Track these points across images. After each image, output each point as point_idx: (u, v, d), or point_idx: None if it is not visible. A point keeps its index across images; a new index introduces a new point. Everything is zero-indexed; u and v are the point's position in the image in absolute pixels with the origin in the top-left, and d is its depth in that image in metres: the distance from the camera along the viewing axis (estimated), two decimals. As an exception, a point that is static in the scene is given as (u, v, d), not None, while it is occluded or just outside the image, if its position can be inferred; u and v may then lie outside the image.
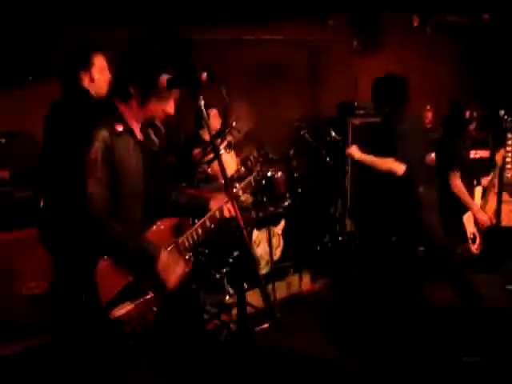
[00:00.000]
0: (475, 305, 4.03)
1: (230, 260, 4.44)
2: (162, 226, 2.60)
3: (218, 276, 4.51)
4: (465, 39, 6.91)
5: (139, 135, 2.54)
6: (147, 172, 2.52)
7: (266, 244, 4.72)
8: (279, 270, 4.89)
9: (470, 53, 6.88)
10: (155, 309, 2.53)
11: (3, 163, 4.18)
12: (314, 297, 4.92)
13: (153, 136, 2.63)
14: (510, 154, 5.11)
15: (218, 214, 2.78)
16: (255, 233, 4.72)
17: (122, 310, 2.42)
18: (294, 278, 5.01)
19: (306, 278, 5.10)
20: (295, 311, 4.56)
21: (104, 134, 2.36)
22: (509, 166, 5.15)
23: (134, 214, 2.49)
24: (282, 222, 4.94)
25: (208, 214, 2.75)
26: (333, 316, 4.42)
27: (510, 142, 5.08)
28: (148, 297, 2.51)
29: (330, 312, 4.53)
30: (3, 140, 4.24)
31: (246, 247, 2.24)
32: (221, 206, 2.78)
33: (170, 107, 2.50)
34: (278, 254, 4.97)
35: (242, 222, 2.22)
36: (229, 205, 2.77)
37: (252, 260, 2.22)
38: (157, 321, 2.54)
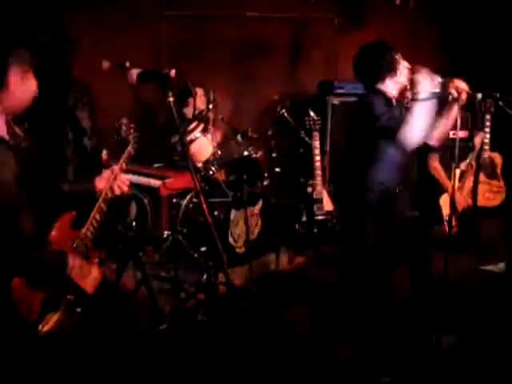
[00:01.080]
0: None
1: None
2: (60, 225, 2.49)
3: (196, 255, 4.52)
4: (448, 15, 6.88)
5: (7, 137, 2.39)
6: (26, 175, 2.38)
7: (243, 223, 4.73)
8: (257, 249, 4.91)
9: (453, 30, 6.85)
10: (79, 309, 2.47)
11: None
12: (291, 275, 4.95)
13: (19, 132, 2.47)
14: (487, 136, 5.16)
15: (109, 193, 2.70)
16: (233, 212, 4.72)
17: (50, 323, 2.35)
18: (272, 257, 5.04)
19: (284, 257, 5.13)
20: (272, 290, 4.59)
21: None
22: (486, 147, 5.20)
23: (26, 224, 2.37)
24: (260, 202, 4.95)
25: (101, 197, 2.65)
26: (310, 294, 4.46)
27: (488, 124, 5.12)
28: (69, 299, 2.43)
29: (306, 290, 4.57)
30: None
31: (213, 239, 2.21)
32: (110, 184, 2.70)
33: (32, 91, 2.40)
34: (255, 233, 4.98)
35: (208, 217, 2.20)
36: (118, 182, 2.72)
37: (218, 251, 2.18)
38: (83, 320, 2.48)
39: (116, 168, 2.77)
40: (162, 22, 5.31)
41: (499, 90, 3.97)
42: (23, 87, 2.34)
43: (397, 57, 3.64)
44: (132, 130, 2.98)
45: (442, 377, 3.35)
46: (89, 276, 2.41)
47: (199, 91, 4.86)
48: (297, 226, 5.25)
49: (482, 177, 5.25)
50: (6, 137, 2.37)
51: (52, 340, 2.34)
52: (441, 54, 6.82)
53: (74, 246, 2.50)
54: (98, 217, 2.61)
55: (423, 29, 6.91)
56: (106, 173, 2.75)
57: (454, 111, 3.58)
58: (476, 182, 5.11)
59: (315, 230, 5.20)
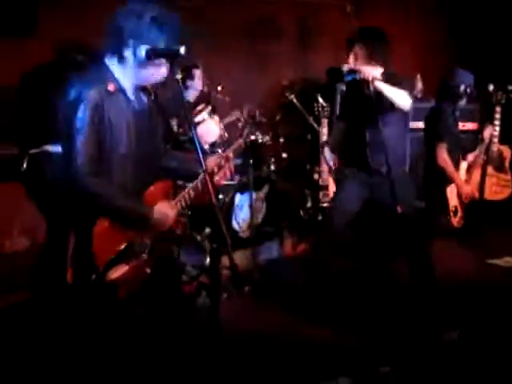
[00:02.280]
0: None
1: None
2: (154, 189, 2.56)
3: (199, 238, 4.51)
4: (460, 3, 6.81)
5: (132, 96, 2.50)
6: (139, 133, 2.48)
7: (248, 208, 4.71)
8: (261, 234, 4.89)
9: (464, 18, 6.79)
10: (148, 270, 2.52)
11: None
12: (295, 261, 4.94)
13: (144, 99, 2.58)
14: (497, 129, 5.10)
15: (199, 186, 2.71)
16: (238, 196, 4.71)
17: (116, 273, 2.40)
18: (276, 243, 5.02)
19: (288, 243, 5.11)
20: (276, 275, 4.58)
21: (94, 92, 2.33)
22: (495, 139, 5.15)
23: (123, 175, 2.45)
24: (266, 187, 4.92)
25: (199, 178, 2.68)
26: (312, 280, 4.44)
27: (497, 116, 5.06)
28: (142, 258, 2.49)
29: (310, 276, 4.55)
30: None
31: (218, 222, 2.20)
32: (213, 168, 2.75)
33: (161, 73, 2.46)
34: (260, 218, 4.97)
35: (213, 196, 2.19)
36: (225, 169, 2.77)
37: (223, 236, 2.17)
38: (146, 283, 2.54)
39: (225, 154, 2.82)
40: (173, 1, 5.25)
41: (511, 82, 3.94)
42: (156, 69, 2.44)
43: None
44: (249, 123, 3.02)
45: (443, 369, 3.34)
46: (166, 218, 2.48)
47: (197, 72, 4.82)
48: (301, 212, 5.23)
49: (490, 170, 5.20)
50: (130, 93, 2.49)
51: (114, 290, 2.41)
52: (452, 42, 6.77)
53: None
54: (192, 193, 2.66)
55: (434, 16, 6.85)
56: (213, 157, 2.80)
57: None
58: (484, 175, 5.07)
59: (320, 217, 5.17)
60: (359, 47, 3.72)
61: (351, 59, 3.76)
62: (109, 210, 2.40)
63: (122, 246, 2.43)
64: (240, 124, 4.62)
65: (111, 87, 2.39)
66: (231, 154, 2.90)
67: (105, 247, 2.39)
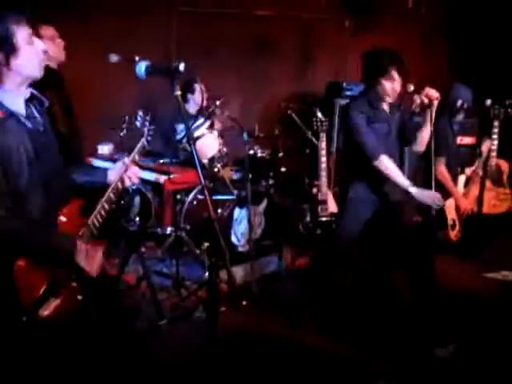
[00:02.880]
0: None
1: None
2: (67, 211, 2.46)
3: (198, 252, 4.52)
4: (459, 21, 6.86)
5: (23, 116, 2.34)
6: (38, 155, 2.34)
7: (247, 222, 4.72)
8: (260, 249, 4.89)
9: (464, 35, 6.83)
10: (80, 297, 2.44)
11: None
12: (293, 275, 4.94)
13: (36, 114, 2.43)
14: (495, 143, 5.12)
15: (119, 184, 2.68)
16: (237, 210, 4.72)
17: (48, 309, 2.31)
18: (274, 257, 5.02)
19: (287, 258, 5.11)
20: (274, 289, 4.58)
21: None
22: (493, 154, 5.17)
23: (35, 204, 2.33)
24: (265, 201, 4.93)
25: (110, 187, 2.63)
26: (310, 295, 4.44)
27: (495, 130, 5.08)
28: (72, 286, 2.41)
29: (308, 291, 4.55)
30: None
31: (216, 236, 2.19)
32: (121, 176, 2.68)
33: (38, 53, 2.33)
34: (258, 232, 4.97)
35: (212, 211, 2.19)
36: (129, 173, 2.69)
37: (222, 250, 2.17)
38: (83, 309, 2.46)
39: (128, 159, 2.75)
40: (174, 17, 5.30)
41: (509, 97, 3.97)
42: (32, 49, 2.29)
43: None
44: (147, 122, 2.96)
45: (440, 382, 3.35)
46: (94, 260, 2.40)
47: (198, 86, 4.85)
48: (300, 226, 5.23)
49: (488, 184, 5.22)
50: (21, 112, 2.33)
51: (51, 327, 2.32)
52: (451, 59, 6.81)
53: (80, 232, 2.48)
54: (106, 206, 2.60)
55: (434, 33, 6.90)
56: (118, 164, 2.74)
57: (429, 119, 3.82)
58: (482, 189, 5.09)
59: (318, 232, 5.17)
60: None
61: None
62: (30, 250, 2.26)
63: (48, 281, 2.32)
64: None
65: (0, 113, 2.24)
66: (136, 157, 2.82)
67: (29, 285, 2.26)
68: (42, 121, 2.45)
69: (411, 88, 3.80)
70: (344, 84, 5.82)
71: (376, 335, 3.78)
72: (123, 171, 2.70)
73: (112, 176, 2.71)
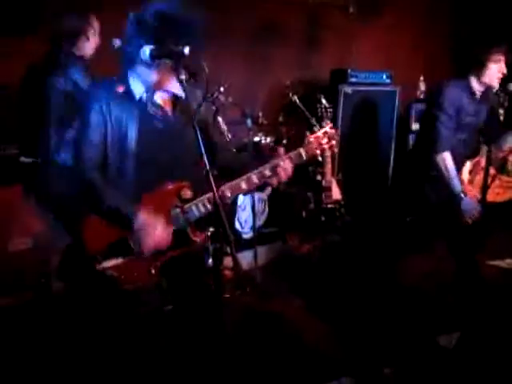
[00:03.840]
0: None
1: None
2: (167, 188, 2.49)
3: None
4: (464, 6, 6.79)
5: (143, 98, 2.49)
6: (145, 135, 2.46)
7: (251, 209, 4.71)
8: (263, 236, 4.89)
9: (469, 20, 6.77)
10: (153, 271, 2.49)
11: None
12: (297, 262, 4.94)
13: (161, 101, 2.54)
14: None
15: (244, 185, 2.61)
16: (241, 198, 4.71)
17: (108, 263, 2.41)
18: (278, 244, 5.02)
19: (290, 244, 5.11)
20: (277, 276, 4.59)
21: (100, 95, 2.41)
22: (498, 141, 5.13)
23: (130, 174, 2.45)
24: (269, 188, 4.92)
25: (227, 185, 2.56)
26: (314, 282, 4.45)
27: (501, 118, 5.05)
28: (142, 257, 2.46)
29: (312, 278, 4.56)
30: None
31: (222, 222, 2.18)
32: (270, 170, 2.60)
33: (174, 85, 2.48)
34: (262, 219, 4.97)
35: (217, 197, 2.17)
36: (282, 168, 2.59)
37: (227, 235, 2.16)
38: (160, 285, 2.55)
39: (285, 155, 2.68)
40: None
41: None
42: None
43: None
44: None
45: (444, 370, 3.34)
46: (149, 236, 2.41)
47: (204, 74, 4.81)
48: (304, 213, 5.22)
49: (492, 171, 5.18)
50: (139, 95, 2.47)
51: (107, 282, 2.43)
52: (457, 43, 6.75)
53: (172, 213, 2.49)
54: (207, 205, 2.52)
55: (439, 18, 6.84)
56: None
57: None
58: (486, 177, 5.06)
59: (323, 219, 5.17)
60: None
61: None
62: (97, 206, 2.42)
63: (117, 240, 2.44)
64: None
65: (120, 88, 2.43)
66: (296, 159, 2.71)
67: (98, 238, 2.41)
68: (173, 109, 2.55)
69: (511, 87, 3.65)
70: (349, 71, 5.78)
71: (379, 322, 3.79)
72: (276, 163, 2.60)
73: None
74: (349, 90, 5.72)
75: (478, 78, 3.68)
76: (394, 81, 5.99)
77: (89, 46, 3.63)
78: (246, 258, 4.58)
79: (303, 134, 5.13)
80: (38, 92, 3.41)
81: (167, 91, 2.54)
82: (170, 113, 2.55)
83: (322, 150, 2.69)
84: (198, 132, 2.18)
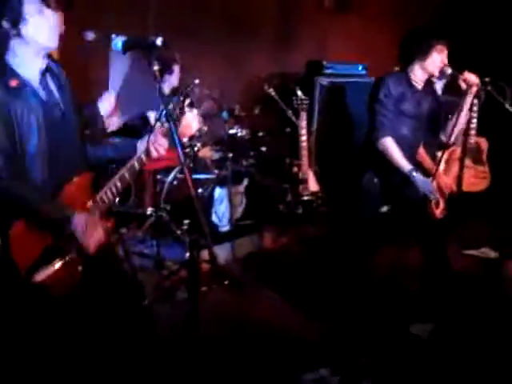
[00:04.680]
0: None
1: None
2: (79, 181, 2.44)
3: (178, 232, 4.49)
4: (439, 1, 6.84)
5: (39, 87, 2.36)
6: (50, 127, 2.35)
7: (227, 202, 4.71)
8: (241, 228, 4.89)
9: (445, 16, 6.81)
10: (80, 268, 2.44)
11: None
12: (274, 255, 4.95)
13: (53, 87, 2.43)
14: (474, 120, 5.12)
15: (137, 164, 2.57)
16: (217, 190, 4.70)
17: (43, 274, 2.32)
18: (255, 237, 5.02)
19: (268, 237, 5.12)
20: (255, 269, 4.59)
21: None
22: (473, 132, 5.17)
23: (39, 173, 2.33)
24: (245, 181, 4.92)
25: (126, 166, 2.55)
26: (292, 274, 4.46)
27: (475, 109, 5.08)
28: (71, 257, 2.40)
29: (289, 270, 4.57)
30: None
31: (197, 215, 2.16)
32: (139, 156, 2.58)
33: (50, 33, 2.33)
34: (239, 211, 4.96)
35: (192, 190, 2.15)
36: (156, 144, 2.58)
37: (202, 228, 2.15)
38: (83, 281, 2.46)
39: (156, 129, 2.63)
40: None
41: (491, 74, 3.96)
42: (42, 19, 2.30)
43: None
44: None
45: (419, 359, 3.38)
46: (91, 235, 2.37)
47: (177, 67, 4.77)
48: (281, 206, 5.23)
49: (467, 162, 5.23)
50: (35, 82, 2.35)
51: (45, 293, 2.34)
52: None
53: (88, 205, 2.47)
54: (118, 184, 2.53)
55: (414, 11, 6.87)
56: (145, 141, 2.61)
57: (466, 105, 3.86)
58: (462, 167, 5.10)
59: (300, 211, 5.18)
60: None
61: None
62: (25, 213, 2.30)
63: (45, 247, 2.35)
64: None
65: (13, 83, 2.27)
66: (165, 125, 2.65)
67: (25, 250, 2.30)
68: (60, 94, 2.45)
69: (449, 71, 3.72)
70: (324, 62, 5.79)
71: (355, 313, 3.81)
72: (143, 151, 2.59)
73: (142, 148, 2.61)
74: (325, 81, 5.73)
75: (421, 66, 3.74)
76: (370, 72, 6.01)
77: None
78: (223, 251, 4.58)
79: (279, 126, 5.16)
80: None
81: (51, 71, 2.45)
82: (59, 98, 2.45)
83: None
84: (173, 127, 2.18)
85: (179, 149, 2.21)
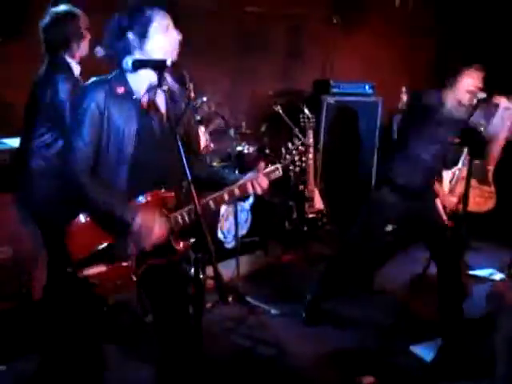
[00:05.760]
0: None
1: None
2: (150, 198, 2.46)
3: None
4: (447, 17, 6.86)
5: (143, 99, 2.45)
6: (145, 138, 2.42)
7: (233, 218, 4.72)
8: (246, 245, 4.90)
9: (452, 31, 6.84)
10: (134, 278, 2.47)
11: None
12: (279, 272, 4.95)
13: (160, 101, 2.49)
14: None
15: (226, 196, 2.54)
16: (223, 207, 4.72)
17: (91, 270, 2.39)
18: (261, 254, 5.03)
19: (273, 254, 5.13)
20: (259, 286, 4.59)
21: (98, 93, 2.36)
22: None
23: (118, 175, 2.41)
24: (251, 198, 4.94)
25: (213, 195, 2.51)
26: (296, 291, 4.45)
27: (482, 129, 5.09)
28: (125, 264, 2.44)
29: (293, 287, 4.57)
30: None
31: (203, 231, 2.17)
32: (232, 189, 2.53)
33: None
34: (245, 228, 4.98)
35: (198, 207, 2.17)
36: (258, 181, 2.53)
37: (208, 246, 2.15)
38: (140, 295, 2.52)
39: (263, 171, 2.60)
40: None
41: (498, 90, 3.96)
42: (166, 38, 2.42)
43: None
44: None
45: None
46: (150, 235, 2.38)
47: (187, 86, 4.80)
48: (287, 223, 5.24)
49: (473, 182, 5.23)
50: (139, 95, 2.44)
51: (88, 286, 2.40)
52: (440, 55, 6.82)
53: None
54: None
55: (422, 31, 6.91)
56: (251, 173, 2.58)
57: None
58: (467, 187, 5.10)
59: (305, 228, 5.19)
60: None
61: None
62: (92, 208, 2.39)
63: (101, 246, 2.42)
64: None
65: (120, 89, 2.39)
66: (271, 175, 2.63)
67: (83, 242, 2.40)
68: (167, 110, 2.47)
69: (480, 95, 3.58)
70: (331, 81, 5.83)
71: (360, 330, 3.81)
72: (250, 179, 2.56)
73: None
74: (331, 100, 5.76)
75: (452, 91, 3.68)
76: (377, 92, 6.04)
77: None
78: (228, 268, 4.58)
79: (286, 145, 5.15)
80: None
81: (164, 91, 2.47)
82: (165, 115, 2.50)
83: (295, 167, 2.72)
84: (179, 142, 2.20)
85: (185, 164, 2.21)
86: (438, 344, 3.63)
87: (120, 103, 2.38)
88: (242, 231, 4.91)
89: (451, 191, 5.15)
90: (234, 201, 4.62)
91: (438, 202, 5.01)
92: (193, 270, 4.07)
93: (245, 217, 4.95)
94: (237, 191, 2.54)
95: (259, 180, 2.55)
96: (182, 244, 2.55)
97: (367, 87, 6.06)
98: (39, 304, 3.58)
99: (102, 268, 2.42)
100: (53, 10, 3.25)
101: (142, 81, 2.43)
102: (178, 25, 2.50)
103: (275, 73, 6.05)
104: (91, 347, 2.57)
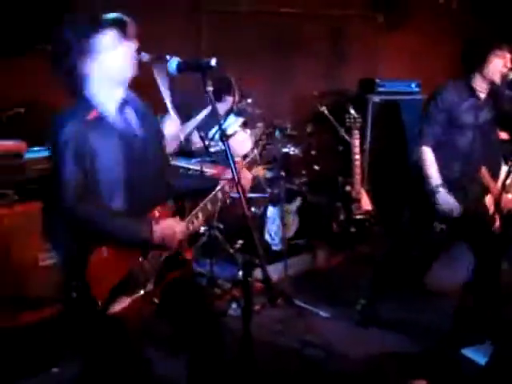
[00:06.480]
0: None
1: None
2: (158, 213, 2.44)
3: (231, 250, 4.51)
4: (492, 16, 6.73)
5: (117, 118, 2.39)
6: (129, 157, 2.36)
7: (280, 221, 4.70)
8: (293, 247, 4.88)
9: (497, 30, 6.70)
10: (156, 300, 2.45)
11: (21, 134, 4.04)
12: (327, 275, 4.91)
13: (132, 117, 2.45)
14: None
15: (220, 195, 2.59)
16: (270, 209, 4.71)
17: (118, 306, 2.32)
18: (308, 256, 5.00)
19: (320, 256, 5.08)
20: (307, 288, 4.56)
21: (71, 127, 2.26)
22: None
23: (119, 202, 2.35)
24: (298, 200, 4.91)
25: (209, 197, 2.57)
26: (344, 293, 4.41)
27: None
28: (146, 290, 2.42)
29: (341, 289, 4.53)
30: (22, 110, 4.09)
31: (251, 234, 2.16)
32: (223, 187, 2.60)
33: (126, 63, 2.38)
34: (292, 230, 4.95)
35: (246, 208, 2.15)
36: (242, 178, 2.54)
37: (257, 249, 2.14)
38: (159, 310, 2.49)
39: (241, 163, 2.67)
40: (203, 15, 5.28)
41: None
42: (115, 54, 2.37)
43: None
44: (264, 136, 2.94)
45: None
46: (171, 238, 2.38)
47: (234, 88, 4.80)
48: (334, 224, 5.19)
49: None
50: (112, 113, 2.37)
51: (118, 322, 2.34)
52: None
53: None
54: (200, 215, 2.54)
55: (466, 29, 6.78)
56: (228, 172, 2.58)
57: None
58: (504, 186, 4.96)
59: (352, 230, 5.13)
60: None
61: None
62: (104, 233, 2.31)
63: (122, 276, 2.34)
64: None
65: (92, 114, 2.30)
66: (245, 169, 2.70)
67: (103, 279, 2.30)
68: (140, 125, 2.46)
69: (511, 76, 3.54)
70: (377, 80, 5.76)
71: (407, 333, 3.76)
72: (227, 182, 2.60)
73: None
74: (377, 99, 5.70)
75: (481, 73, 3.63)
76: (423, 89, 5.94)
77: None
78: (275, 270, 4.57)
79: (332, 145, 5.14)
80: None
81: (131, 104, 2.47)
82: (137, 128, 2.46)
83: None
84: (227, 146, 2.19)
85: (232, 168, 2.21)
86: (491, 347, 3.53)
87: (94, 129, 2.29)
88: (290, 233, 4.89)
89: (504, 188, 5.02)
90: (280, 203, 4.60)
91: (489, 198, 4.91)
92: (241, 273, 4.10)
93: (291, 219, 4.92)
94: (209, 206, 2.56)
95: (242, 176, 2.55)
96: (189, 252, 2.58)
97: (413, 85, 5.98)
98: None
99: (125, 300, 2.35)
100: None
101: (108, 102, 2.37)
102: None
103: (320, 73, 6.02)
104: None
